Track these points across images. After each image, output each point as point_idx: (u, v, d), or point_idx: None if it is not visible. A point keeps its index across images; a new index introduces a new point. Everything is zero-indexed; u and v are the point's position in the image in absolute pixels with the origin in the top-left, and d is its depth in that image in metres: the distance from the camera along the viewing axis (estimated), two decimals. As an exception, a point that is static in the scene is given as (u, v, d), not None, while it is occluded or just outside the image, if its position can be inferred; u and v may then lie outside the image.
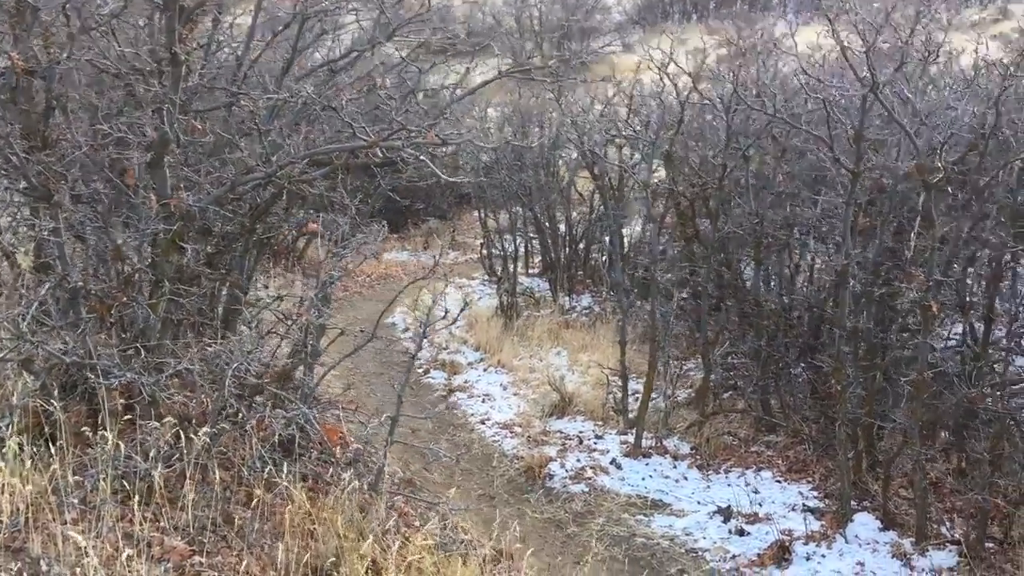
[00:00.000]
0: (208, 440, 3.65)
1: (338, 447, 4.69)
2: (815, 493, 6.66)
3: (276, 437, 4.14)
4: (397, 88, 7.38)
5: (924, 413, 5.67)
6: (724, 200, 8.28)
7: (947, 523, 6.02)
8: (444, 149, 6.05)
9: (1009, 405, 5.50)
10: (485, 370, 10.41)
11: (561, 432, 8.28)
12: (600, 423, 8.46)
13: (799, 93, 7.25)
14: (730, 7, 39.23)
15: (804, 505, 6.40)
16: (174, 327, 4.42)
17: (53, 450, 3.62)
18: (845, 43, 5.94)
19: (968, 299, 6.37)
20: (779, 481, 6.91)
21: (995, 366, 6.29)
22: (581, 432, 8.22)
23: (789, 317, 8.22)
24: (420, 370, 10.65)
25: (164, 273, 4.18)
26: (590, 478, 7.18)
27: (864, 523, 6.03)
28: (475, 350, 11.06)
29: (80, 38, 4.87)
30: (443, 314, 5.50)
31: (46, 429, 3.69)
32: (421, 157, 3.70)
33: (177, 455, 3.61)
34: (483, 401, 9.31)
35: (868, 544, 5.84)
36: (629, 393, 9.28)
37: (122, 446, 3.51)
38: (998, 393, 5.71)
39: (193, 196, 4.09)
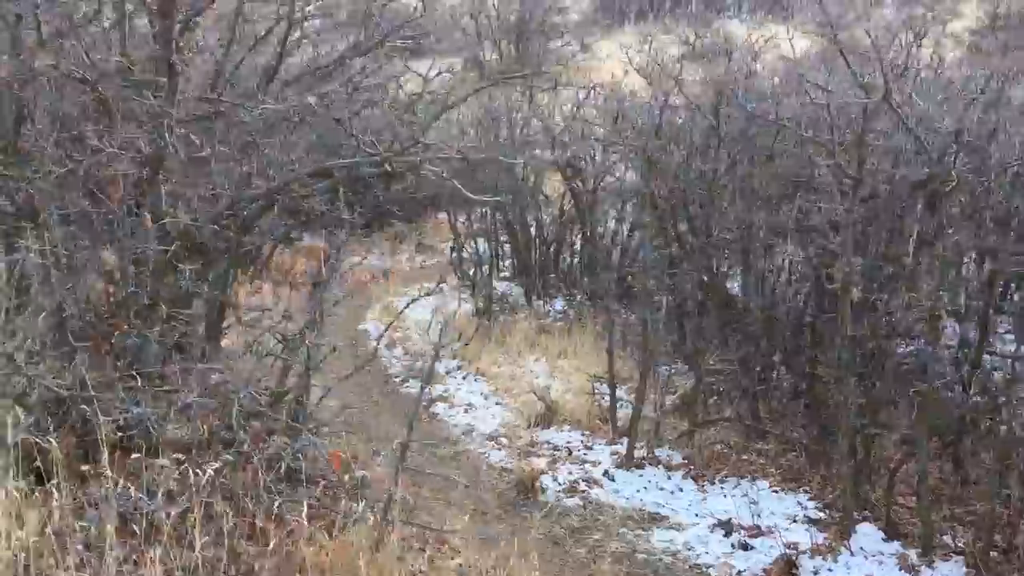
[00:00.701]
0: (213, 474, 3.44)
1: (344, 474, 4.49)
2: (814, 503, 6.57)
3: (282, 466, 3.93)
4: (379, 94, 7.18)
5: (931, 423, 5.60)
6: (704, 204, 8.18)
7: (950, 532, 5.96)
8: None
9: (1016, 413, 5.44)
10: (464, 378, 10.23)
11: (549, 443, 8.13)
12: (587, 433, 8.33)
13: (787, 96, 7.17)
14: (686, 7, 39.35)
15: (806, 516, 6.32)
16: (166, 351, 4.19)
17: (47, 488, 3.39)
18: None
19: (965, 305, 6.32)
20: (776, 491, 6.81)
21: (993, 373, 6.25)
22: (569, 443, 8.08)
23: (776, 323, 8.16)
24: (397, 380, 10.45)
25: (159, 296, 3.95)
26: (584, 491, 7.03)
27: (867, 534, 5.95)
28: (452, 358, 10.86)
29: (52, 44, 4.63)
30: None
31: (39, 465, 3.45)
32: (444, 174, 3.51)
33: (183, 491, 3.39)
34: (465, 411, 9.13)
35: (874, 556, 5.76)
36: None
37: (124, 484, 3.29)
38: (1002, 401, 5.66)
39: (190, 214, 3.87)
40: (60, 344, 3.58)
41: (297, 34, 5.96)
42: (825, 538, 5.97)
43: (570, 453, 7.83)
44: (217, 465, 3.46)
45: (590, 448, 7.90)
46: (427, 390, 9.53)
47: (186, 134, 3.79)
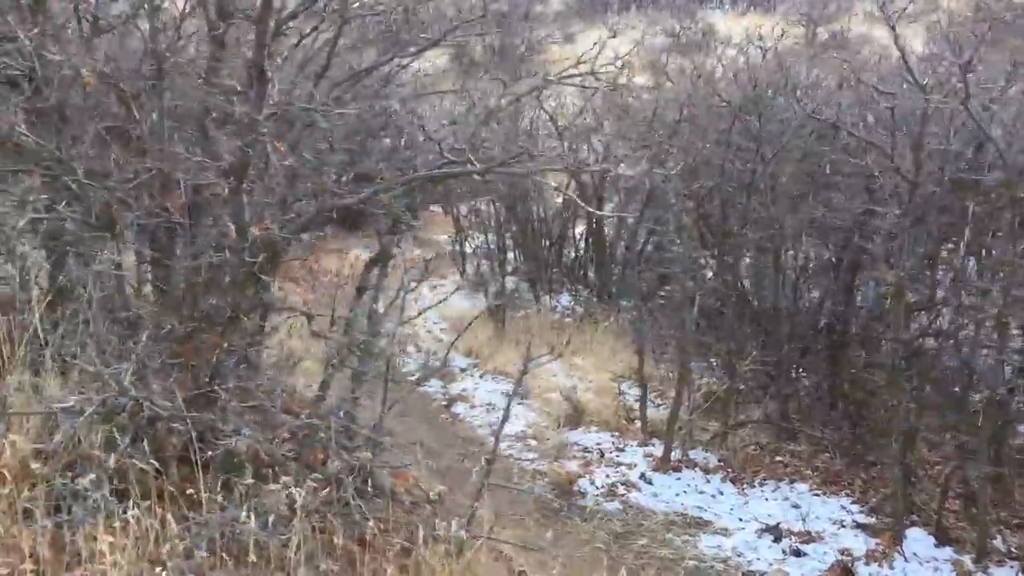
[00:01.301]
0: (317, 497, 3.32)
1: (412, 490, 4.38)
2: (858, 507, 6.55)
3: (368, 483, 3.81)
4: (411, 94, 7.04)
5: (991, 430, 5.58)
6: (740, 204, 8.12)
7: (999, 536, 5.96)
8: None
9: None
10: (481, 377, 10.13)
11: (579, 444, 8.04)
12: (617, 434, 8.25)
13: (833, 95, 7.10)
14: (670, -2, 39.21)
15: (854, 521, 6.28)
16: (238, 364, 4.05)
17: (140, 511, 3.25)
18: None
19: None
20: (817, 494, 6.78)
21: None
22: (599, 444, 8.00)
23: (798, 323, 8.13)
24: (412, 378, 10.32)
25: (241, 308, 3.81)
26: (623, 495, 6.96)
27: (918, 539, 5.94)
28: (466, 355, 10.75)
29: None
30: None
31: (135, 489, 3.31)
32: (554, 186, 3.39)
33: (288, 515, 3.27)
34: (487, 412, 9.02)
35: (928, 562, 5.75)
36: (637, 401, 9.15)
37: (234, 509, 3.16)
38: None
39: (277, 223, 3.73)
40: (150, 360, 3.43)
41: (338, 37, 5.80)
42: (877, 543, 5.95)
43: (602, 455, 7.76)
44: (325, 489, 3.34)
45: (622, 450, 7.82)
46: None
47: (271, 142, 3.64)
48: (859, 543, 5.96)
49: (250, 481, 3.12)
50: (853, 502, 6.62)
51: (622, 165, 9.41)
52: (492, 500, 6.92)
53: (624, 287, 13.03)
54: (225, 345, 3.49)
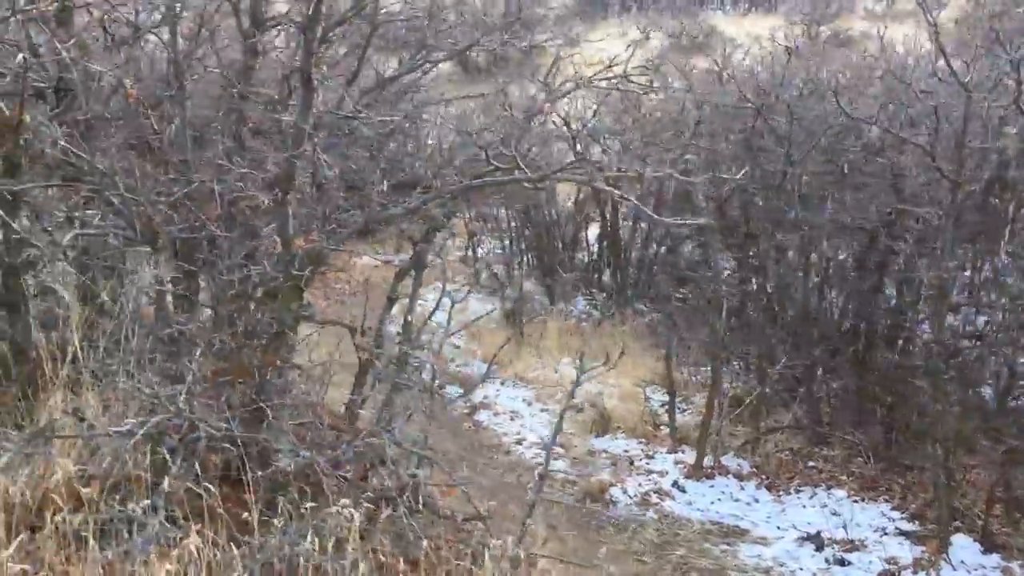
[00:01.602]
0: (372, 521, 3.21)
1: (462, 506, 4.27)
2: (899, 514, 6.42)
3: (419, 502, 3.70)
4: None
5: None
6: (760, 205, 8.02)
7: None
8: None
9: None
10: (502, 384, 10.01)
11: (607, 452, 7.93)
12: (644, 441, 8.14)
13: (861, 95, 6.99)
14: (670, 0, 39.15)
15: (897, 528, 6.15)
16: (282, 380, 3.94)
17: (199, 538, 3.14)
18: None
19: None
20: (856, 501, 6.66)
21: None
22: (627, 451, 7.89)
23: (837, 326, 8.03)
24: (443, 389, 10.21)
25: (285, 324, 3.70)
26: (656, 503, 6.84)
27: (964, 546, 5.81)
28: (485, 362, 10.62)
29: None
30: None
31: (186, 512, 3.20)
32: (626, 196, 3.27)
33: (346, 538, 3.15)
34: (511, 419, 8.90)
35: (976, 570, 5.63)
36: (662, 406, 9.04)
37: (292, 533, 3.04)
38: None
39: (322, 235, 3.61)
40: (199, 380, 3.31)
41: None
42: (923, 551, 5.82)
43: (632, 463, 7.64)
44: (384, 510, 3.22)
45: (651, 457, 7.71)
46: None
47: (319, 152, 3.52)
48: (904, 551, 5.83)
49: (310, 504, 2.99)
50: (893, 508, 6.50)
51: (672, 171, 9.28)
52: (544, 515, 6.85)
53: (638, 291, 12.98)
54: (276, 362, 3.37)
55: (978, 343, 6.24)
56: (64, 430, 3.20)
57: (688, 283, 12.71)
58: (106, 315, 3.83)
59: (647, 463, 7.60)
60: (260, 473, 3.38)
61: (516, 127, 4.52)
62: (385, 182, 3.96)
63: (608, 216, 12.85)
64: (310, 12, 3.27)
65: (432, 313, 5.96)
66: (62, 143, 3.24)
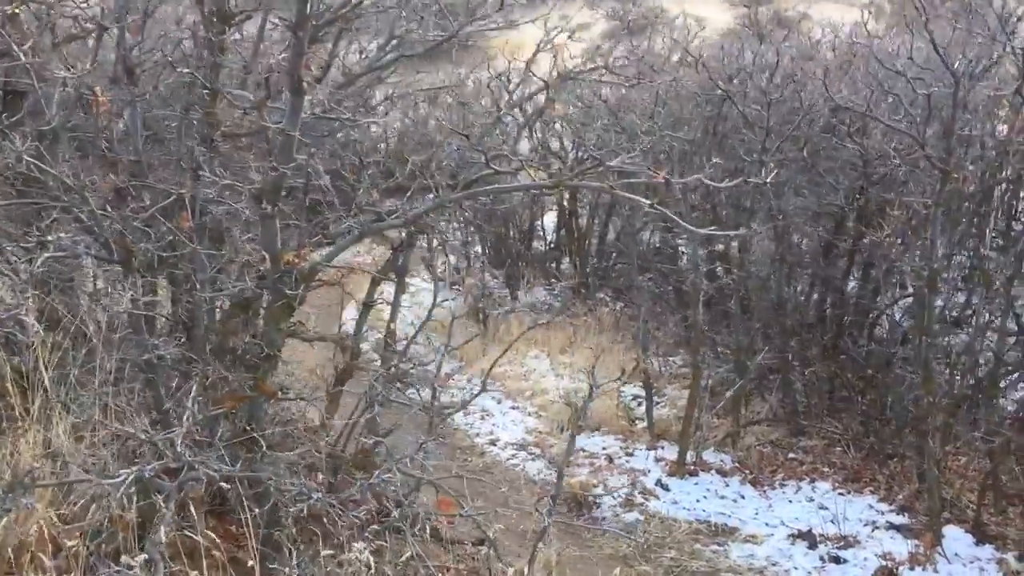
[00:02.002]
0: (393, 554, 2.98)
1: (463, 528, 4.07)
2: (886, 506, 6.35)
3: (426, 528, 3.47)
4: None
5: None
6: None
7: (1033, 531, 5.81)
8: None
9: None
10: (469, 381, 9.74)
11: (584, 450, 7.75)
12: (621, 437, 7.98)
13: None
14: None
15: (888, 522, 6.08)
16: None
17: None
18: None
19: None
20: (841, 494, 6.57)
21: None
22: (606, 449, 7.73)
23: (811, 315, 7.96)
24: (398, 385, 9.93)
25: (275, 344, 3.43)
26: (641, 504, 6.68)
27: (956, 538, 5.76)
28: (449, 359, 10.37)
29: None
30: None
31: (179, 553, 2.93)
32: (658, 206, 3.04)
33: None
34: (483, 418, 8.70)
35: (972, 562, 5.57)
36: (634, 399, 8.90)
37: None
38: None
39: (311, 249, 3.34)
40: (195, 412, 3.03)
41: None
42: (916, 545, 5.74)
43: (611, 461, 7.48)
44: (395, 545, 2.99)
45: (631, 455, 7.55)
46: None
47: (309, 158, 3.25)
48: (898, 546, 5.76)
49: (325, 552, 2.74)
50: (880, 500, 6.42)
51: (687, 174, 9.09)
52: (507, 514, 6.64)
53: (598, 279, 12.82)
54: (275, 391, 3.11)
55: (963, 331, 6.17)
56: (44, 476, 2.90)
57: (649, 271, 12.68)
58: (75, 340, 3.52)
59: (626, 461, 7.44)
60: (258, 511, 3.13)
61: (488, 123, 4.27)
62: (374, 189, 3.70)
63: (566, 204, 12.66)
64: (297, 10, 2.99)
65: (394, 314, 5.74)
66: (27, 158, 2.93)
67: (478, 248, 14.14)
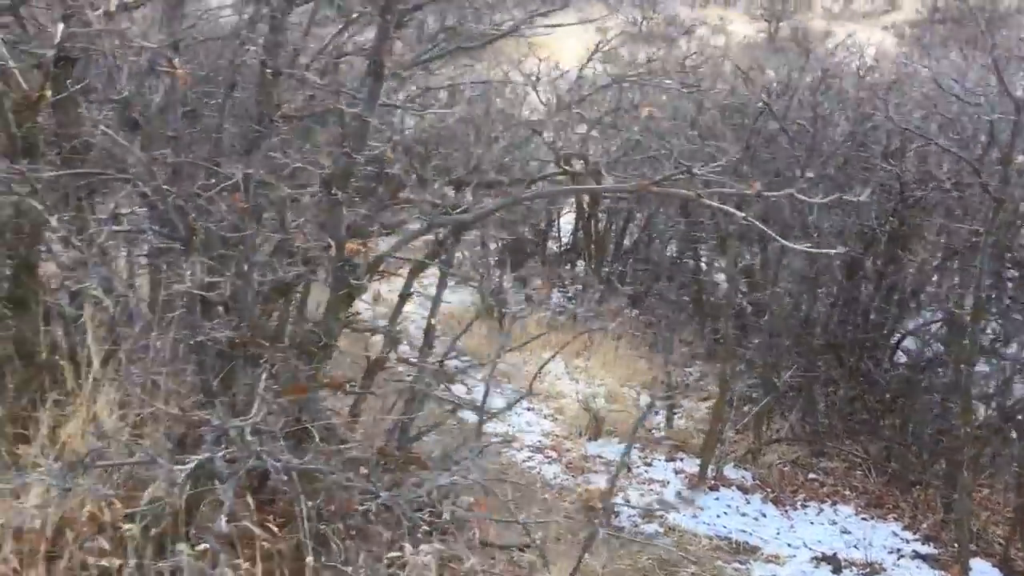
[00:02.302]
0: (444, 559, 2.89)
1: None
2: (910, 534, 6.28)
3: (474, 535, 3.39)
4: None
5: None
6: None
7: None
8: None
9: None
10: (483, 380, 9.66)
11: (601, 457, 7.66)
12: (639, 446, 7.88)
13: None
14: (631, -13, 38.90)
15: (914, 552, 6.00)
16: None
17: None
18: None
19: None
20: (865, 519, 6.50)
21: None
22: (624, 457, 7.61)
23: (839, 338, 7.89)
24: (408, 379, 9.84)
25: (332, 334, 3.34)
26: (661, 516, 6.59)
27: (983, 572, 5.72)
28: (468, 354, 10.27)
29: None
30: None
31: (240, 552, 2.83)
32: (749, 218, 2.95)
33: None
34: (498, 419, 8.57)
35: (1000, 598, 5.50)
36: (650, 408, 8.81)
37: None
38: None
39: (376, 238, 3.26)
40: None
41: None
42: (942, 576, 5.68)
43: (629, 470, 7.38)
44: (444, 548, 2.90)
45: (650, 465, 7.46)
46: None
47: (394, 149, 3.16)
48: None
49: (394, 554, 2.65)
50: (904, 528, 6.36)
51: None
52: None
53: (615, 284, 12.74)
54: (343, 384, 3.02)
55: (998, 361, 6.10)
56: (103, 456, 2.80)
57: (671, 280, 12.62)
58: (131, 317, 3.42)
59: (645, 471, 7.35)
60: (309, 504, 3.03)
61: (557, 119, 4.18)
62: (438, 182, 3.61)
63: (586, 207, 12.57)
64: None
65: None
66: (102, 128, 2.83)
67: (492, 245, 14.05)
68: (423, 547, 2.72)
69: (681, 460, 7.48)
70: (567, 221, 14.08)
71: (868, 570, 5.79)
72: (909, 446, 7.18)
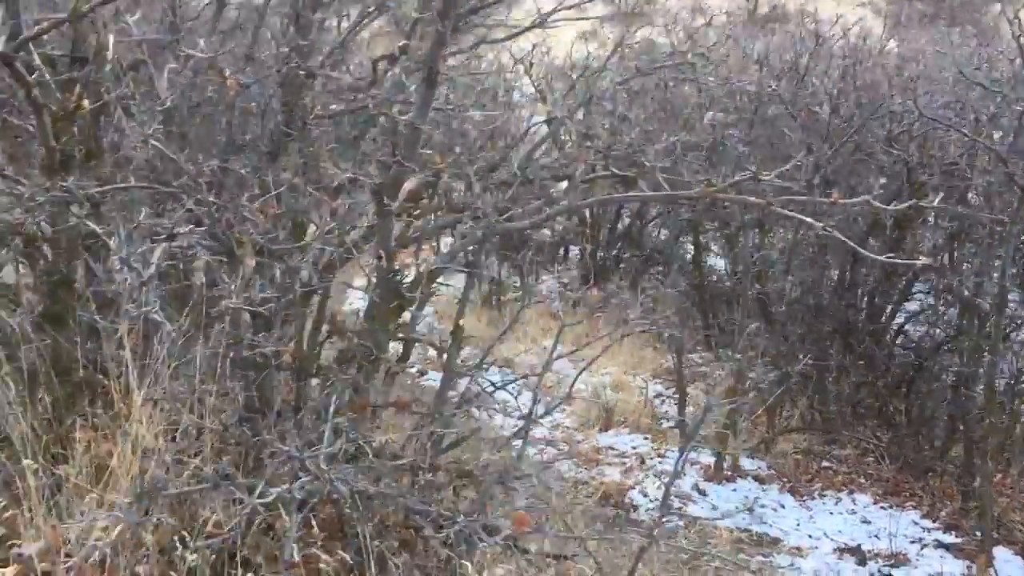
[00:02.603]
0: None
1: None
2: (931, 522, 6.28)
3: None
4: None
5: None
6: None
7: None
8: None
9: None
10: (486, 370, 9.57)
11: (613, 449, 7.62)
12: (650, 437, 7.85)
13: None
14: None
15: (936, 541, 6.00)
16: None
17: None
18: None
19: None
20: (884, 508, 6.50)
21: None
22: (636, 449, 7.60)
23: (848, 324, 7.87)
24: (413, 369, 9.75)
25: (382, 347, 3.25)
26: (679, 508, 6.56)
27: (1007, 560, 5.71)
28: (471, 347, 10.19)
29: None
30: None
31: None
32: (827, 228, 2.87)
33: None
34: (506, 411, 8.50)
35: (1025, 587, 5.51)
36: (656, 397, 8.80)
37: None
38: None
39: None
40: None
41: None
42: (968, 567, 5.68)
43: (642, 462, 7.35)
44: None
45: (662, 456, 7.43)
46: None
47: (433, 152, 3.06)
48: (949, 566, 5.69)
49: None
50: (923, 516, 6.36)
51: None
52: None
53: (608, 270, 12.68)
54: (408, 402, 2.93)
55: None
56: (165, 484, 2.69)
57: (655, 265, 12.56)
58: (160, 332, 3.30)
59: (659, 462, 7.32)
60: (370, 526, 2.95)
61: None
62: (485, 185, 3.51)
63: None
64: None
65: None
66: (153, 142, 2.71)
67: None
68: (498, 569, 2.65)
69: (695, 451, 7.44)
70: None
71: (893, 561, 5.78)
72: (921, 432, 7.18)
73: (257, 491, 2.52)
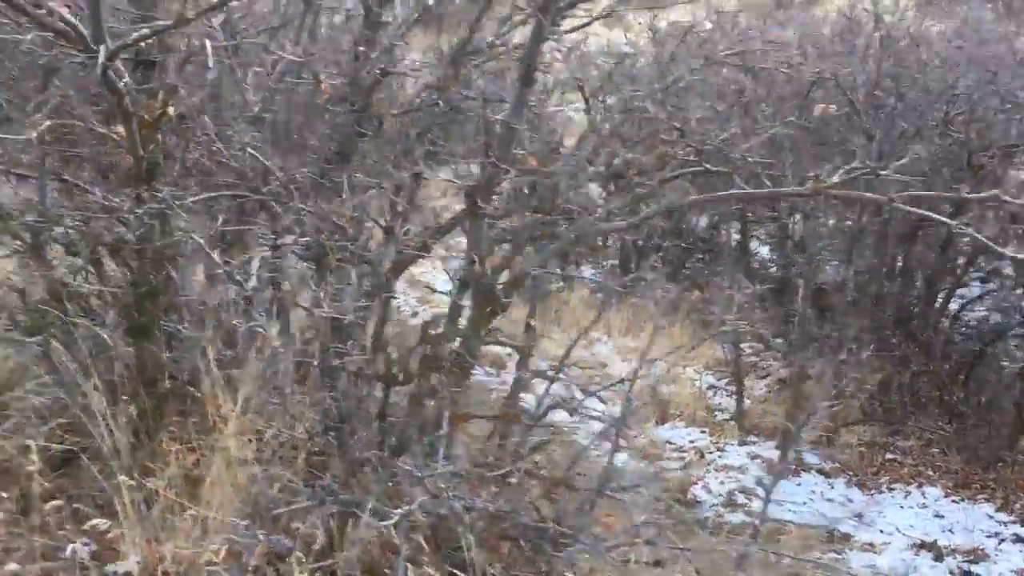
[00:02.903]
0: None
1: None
2: (1006, 516, 6.13)
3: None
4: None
5: None
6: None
7: None
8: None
9: None
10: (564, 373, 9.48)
11: (671, 443, 7.50)
12: (706, 430, 7.73)
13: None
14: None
15: (1015, 535, 5.86)
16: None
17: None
18: None
19: None
20: (955, 501, 6.36)
21: None
22: (694, 442, 7.48)
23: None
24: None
25: (474, 353, 3.15)
26: (744, 504, 6.45)
27: (1089, 554, 5.55)
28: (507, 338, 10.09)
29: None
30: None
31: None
32: (960, 227, 2.74)
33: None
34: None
35: (1110, 582, 5.37)
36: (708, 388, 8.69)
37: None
38: None
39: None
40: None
41: None
42: (1047, 561, 5.54)
43: (701, 456, 7.23)
44: None
45: (722, 450, 7.31)
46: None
47: (526, 153, 2.95)
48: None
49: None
50: (997, 510, 6.21)
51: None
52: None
53: (646, 257, 12.52)
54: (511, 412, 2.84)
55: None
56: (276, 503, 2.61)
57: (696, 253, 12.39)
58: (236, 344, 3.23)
59: (719, 456, 7.20)
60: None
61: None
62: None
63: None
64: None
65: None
66: (249, 150, 2.62)
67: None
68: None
69: (754, 444, 7.33)
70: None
71: (972, 557, 5.65)
72: (987, 421, 7.03)
73: (368, 509, 2.42)
